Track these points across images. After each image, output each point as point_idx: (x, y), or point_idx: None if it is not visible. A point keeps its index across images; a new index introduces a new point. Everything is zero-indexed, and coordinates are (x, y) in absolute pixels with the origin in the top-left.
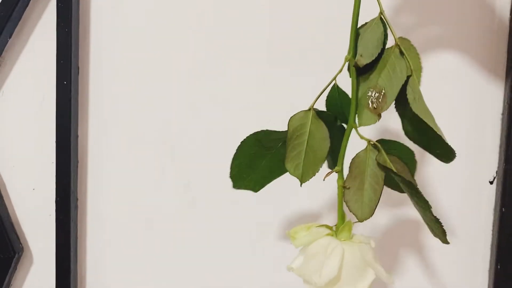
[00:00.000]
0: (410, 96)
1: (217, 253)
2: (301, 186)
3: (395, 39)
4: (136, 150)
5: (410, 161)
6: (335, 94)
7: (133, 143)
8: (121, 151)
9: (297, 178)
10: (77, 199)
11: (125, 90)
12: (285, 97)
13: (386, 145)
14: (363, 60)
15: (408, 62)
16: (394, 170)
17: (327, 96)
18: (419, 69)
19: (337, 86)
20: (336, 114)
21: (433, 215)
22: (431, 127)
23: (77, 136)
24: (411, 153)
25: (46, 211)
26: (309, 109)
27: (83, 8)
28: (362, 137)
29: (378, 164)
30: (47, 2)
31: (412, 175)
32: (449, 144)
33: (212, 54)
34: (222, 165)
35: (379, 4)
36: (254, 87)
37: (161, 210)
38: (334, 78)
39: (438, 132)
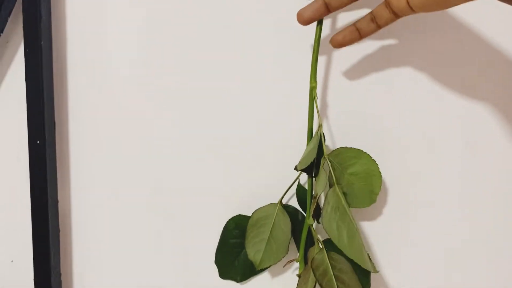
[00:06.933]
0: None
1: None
2: (256, 269)
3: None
4: (127, 215)
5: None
6: (300, 190)
7: (123, 206)
8: (108, 216)
9: (254, 263)
10: (60, 274)
11: (109, 146)
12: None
13: (334, 245)
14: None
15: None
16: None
17: (296, 191)
18: None
19: (300, 184)
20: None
21: None
22: None
23: (56, 201)
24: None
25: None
26: (277, 203)
27: (57, 49)
28: (315, 236)
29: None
30: (16, 48)
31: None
32: None
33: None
34: None
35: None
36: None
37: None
38: (297, 178)
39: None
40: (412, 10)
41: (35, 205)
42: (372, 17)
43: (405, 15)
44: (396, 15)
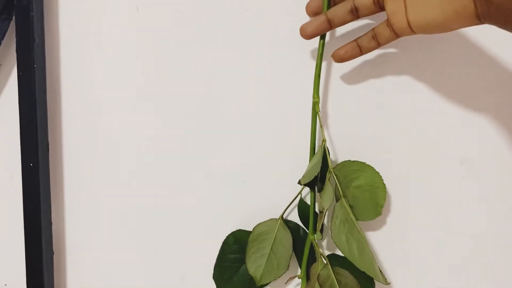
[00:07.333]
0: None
1: None
2: (256, 285)
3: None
4: (122, 237)
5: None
6: (302, 205)
7: (117, 228)
8: (102, 239)
9: (255, 279)
10: None
11: (103, 167)
12: None
13: (338, 260)
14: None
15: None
16: None
17: (298, 206)
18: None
19: (302, 199)
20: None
21: None
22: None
23: (50, 224)
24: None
25: None
26: (278, 218)
27: (50, 72)
28: (318, 251)
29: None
30: (9, 71)
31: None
32: None
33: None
34: None
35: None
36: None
37: None
38: (300, 193)
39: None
40: (412, 31)
41: (29, 227)
42: (373, 34)
43: (406, 35)
44: (396, 35)
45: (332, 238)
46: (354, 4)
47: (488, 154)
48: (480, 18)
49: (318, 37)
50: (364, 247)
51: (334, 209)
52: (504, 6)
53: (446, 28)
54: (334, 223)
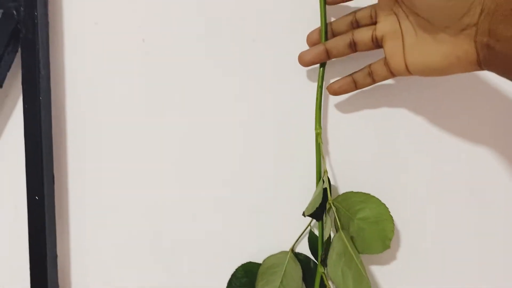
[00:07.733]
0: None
1: None
2: None
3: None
4: (127, 269)
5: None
6: (312, 237)
7: (123, 261)
8: (108, 272)
9: None
10: None
11: (108, 200)
12: None
13: None
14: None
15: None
16: None
17: (308, 237)
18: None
19: (311, 230)
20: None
21: None
22: None
23: (55, 257)
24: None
25: None
26: (288, 250)
27: (56, 104)
28: (327, 284)
29: None
30: (15, 102)
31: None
32: None
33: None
34: None
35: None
36: None
37: None
38: (309, 224)
39: None
40: (409, 72)
41: (34, 260)
42: (369, 71)
43: (403, 76)
44: (393, 74)
45: (327, 270)
46: (353, 39)
47: (498, 183)
48: (481, 64)
49: (318, 67)
50: (362, 280)
51: (332, 241)
52: (504, 53)
53: (445, 72)
54: (331, 256)
